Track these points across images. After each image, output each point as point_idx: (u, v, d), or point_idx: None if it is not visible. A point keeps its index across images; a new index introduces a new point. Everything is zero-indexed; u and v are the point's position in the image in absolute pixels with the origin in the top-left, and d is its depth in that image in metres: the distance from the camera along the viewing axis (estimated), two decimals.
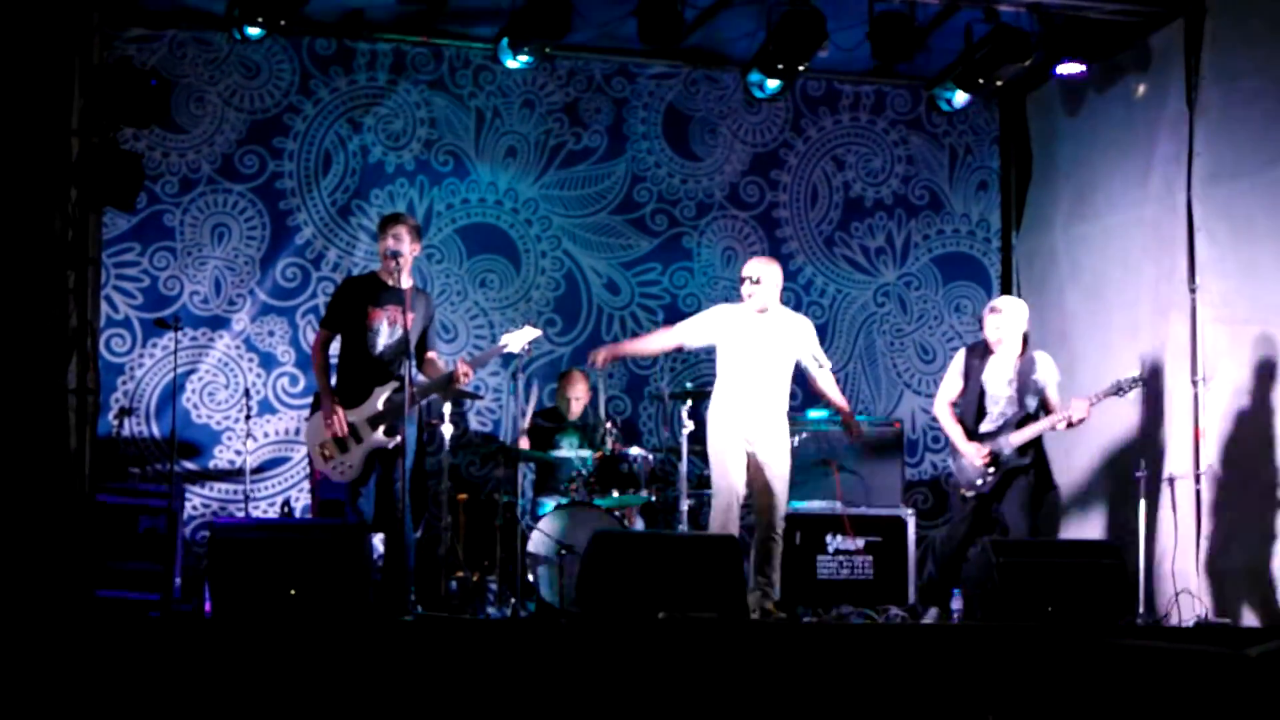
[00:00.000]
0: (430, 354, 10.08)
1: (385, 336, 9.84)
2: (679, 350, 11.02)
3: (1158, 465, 11.08)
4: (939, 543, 11.11)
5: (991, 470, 10.45)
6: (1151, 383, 11.13)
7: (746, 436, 10.27)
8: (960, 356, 10.90)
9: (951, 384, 10.84)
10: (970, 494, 10.56)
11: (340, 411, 9.72)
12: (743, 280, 10.48)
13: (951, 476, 11.09)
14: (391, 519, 9.74)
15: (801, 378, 10.71)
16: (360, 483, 9.78)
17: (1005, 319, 10.65)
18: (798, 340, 10.50)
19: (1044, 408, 10.55)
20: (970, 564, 10.03)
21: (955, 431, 10.69)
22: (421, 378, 10.05)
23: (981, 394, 10.64)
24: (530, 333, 10.14)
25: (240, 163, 12.19)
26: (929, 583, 11.45)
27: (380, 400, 9.73)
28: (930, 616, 10.58)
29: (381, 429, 9.70)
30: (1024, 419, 10.48)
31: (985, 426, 10.60)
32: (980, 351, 10.77)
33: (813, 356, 10.57)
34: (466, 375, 9.85)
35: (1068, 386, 10.80)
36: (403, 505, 9.63)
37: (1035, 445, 10.64)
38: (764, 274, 10.47)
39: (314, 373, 10.33)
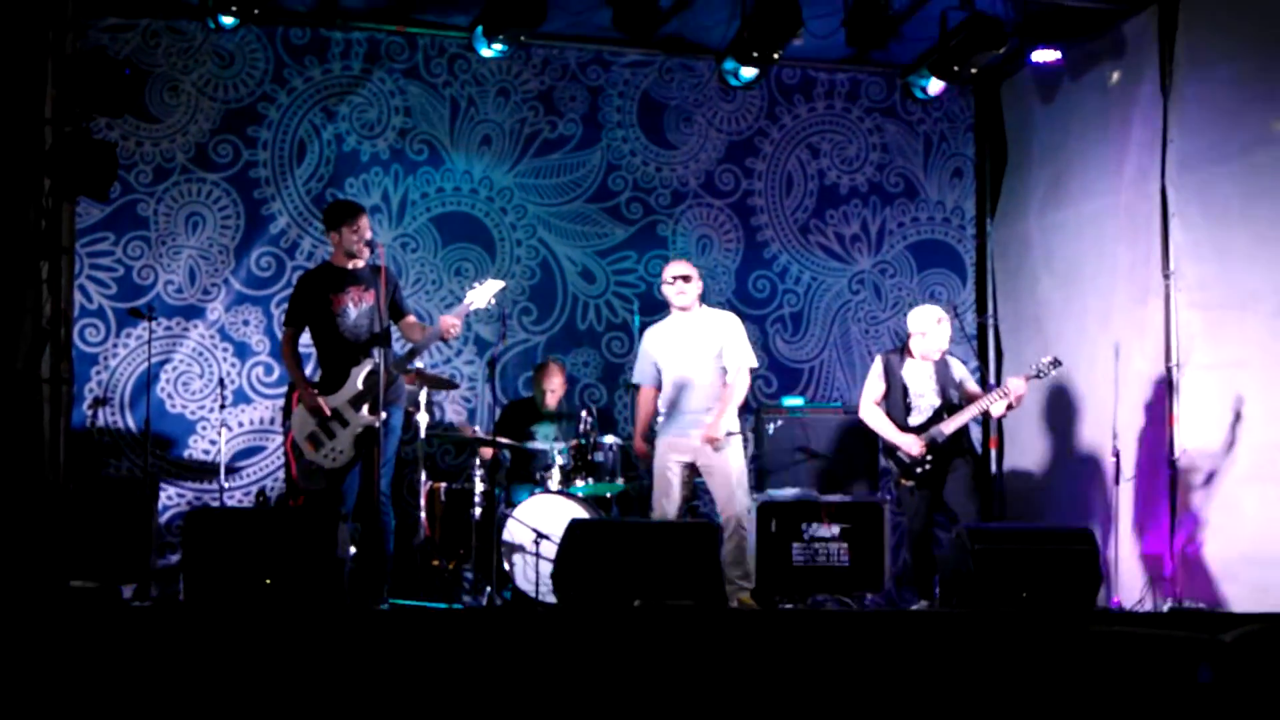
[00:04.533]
0: (410, 319, 10.15)
1: (353, 318, 9.86)
2: (657, 392, 10.95)
3: (1132, 451, 11.09)
4: (906, 540, 11.15)
5: (929, 458, 10.57)
6: (1127, 368, 11.16)
7: (689, 443, 10.49)
8: (879, 360, 11.11)
9: (876, 386, 11.00)
10: (909, 483, 10.68)
11: (321, 399, 9.75)
12: (674, 280, 10.71)
13: (889, 472, 11.14)
14: (369, 507, 9.74)
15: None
16: (348, 469, 9.81)
17: (943, 330, 10.83)
18: (721, 336, 10.74)
19: (965, 399, 10.78)
20: (946, 551, 10.05)
21: (887, 427, 10.85)
22: (410, 344, 10.10)
23: (905, 392, 10.82)
24: (494, 285, 10.13)
25: (214, 152, 12.16)
26: (905, 573, 11.50)
27: (360, 379, 9.76)
28: (919, 607, 10.61)
29: (365, 408, 9.72)
30: (953, 408, 10.64)
31: (914, 420, 10.75)
32: (898, 354, 11.03)
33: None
34: (454, 326, 9.88)
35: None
36: (379, 492, 9.67)
37: (965, 433, 10.83)
38: (692, 272, 10.85)
39: (287, 369, 10.31)
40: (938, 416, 10.71)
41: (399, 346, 10.40)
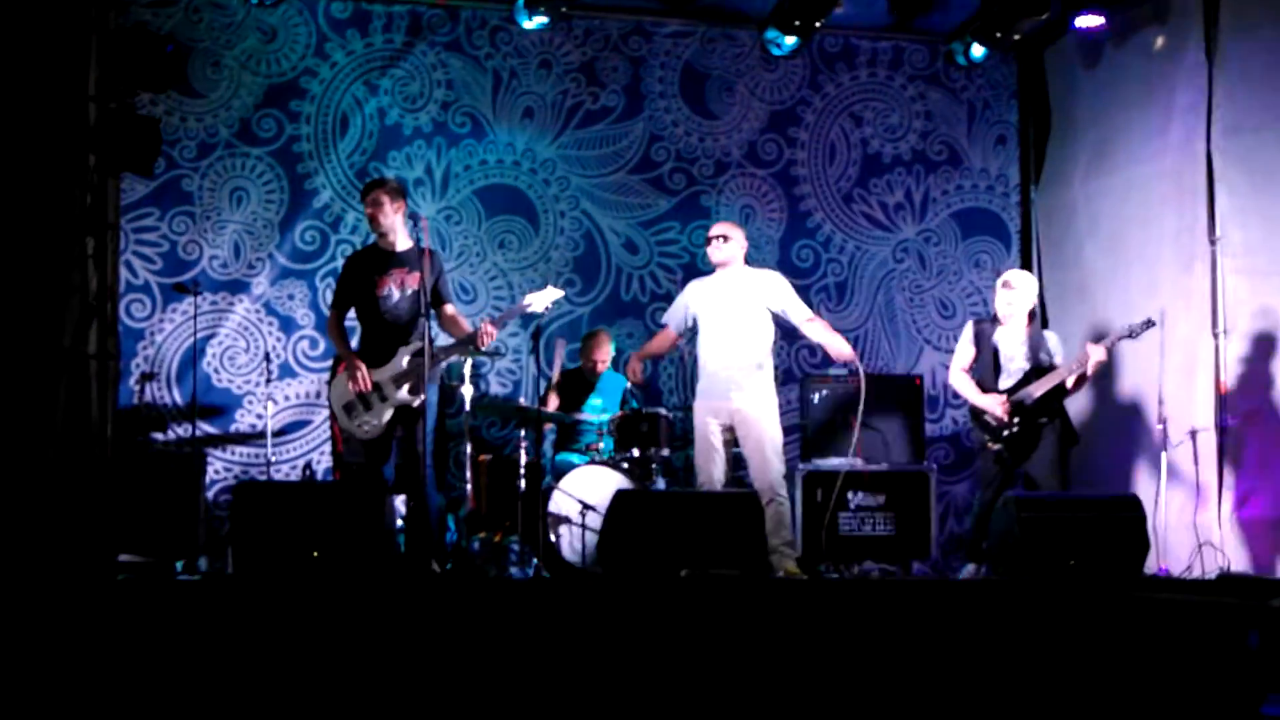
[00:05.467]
0: (448, 309, 10.08)
1: (395, 301, 9.85)
2: (679, 340, 11.00)
3: (1179, 417, 11.05)
4: (975, 506, 11.06)
5: (1016, 420, 10.49)
6: (1173, 335, 11.11)
7: (725, 405, 10.49)
8: (970, 327, 11.05)
9: (965, 352, 10.92)
10: (997, 446, 10.59)
11: (364, 368, 9.76)
12: (709, 240, 10.70)
13: (973, 433, 11.08)
14: (414, 481, 9.76)
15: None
16: (382, 444, 9.83)
17: (1017, 295, 10.74)
18: (765, 294, 10.65)
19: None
20: (993, 519, 10.02)
21: (971, 390, 10.76)
22: (444, 336, 10.09)
23: (996, 356, 10.71)
24: (553, 293, 10.13)
25: (258, 126, 12.19)
26: (961, 541, 11.47)
27: (405, 359, 9.75)
28: (968, 573, 10.57)
29: (406, 387, 9.72)
30: (1043, 371, 10.53)
31: (1004, 384, 10.64)
32: (990, 320, 10.93)
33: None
34: (490, 335, 9.86)
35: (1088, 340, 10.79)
36: (424, 467, 9.67)
37: (1058, 402, 10.64)
38: (731, 233, 10.80)
39: (334, 345, 10.35)
40: (1026, 380, 10.61)
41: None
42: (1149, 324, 10.50)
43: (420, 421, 9.68)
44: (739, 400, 10.46)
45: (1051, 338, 10.86)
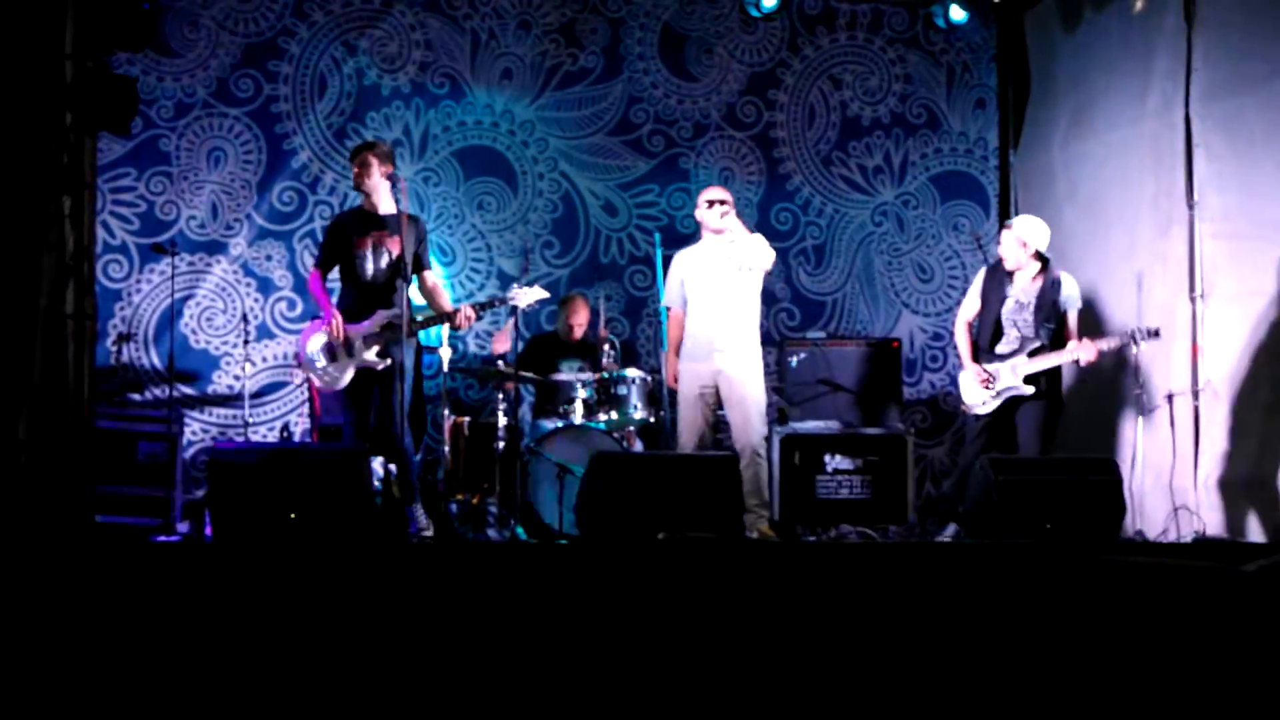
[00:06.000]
0: (429, 276, 10.06)
1: (372, 263, 9.84)
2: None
3: (1156, 381, 11.07)
4: (959, 463, 11.07)
5: (993, 392, 10.46)
6: (1150, 299, 11.13)
7: (708, 367, 10.55)
8: (980, 276, 10.96)
9: (970, 304, 10.89)
10: (977, 411, 10.58)
11: (340, 319, 9.74)
12: (711, 204, 10.64)
13: (956, 394, 11.08)
14: (390, 443, 9.75)
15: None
16: (358, 404, 9.81)
17: (1007, 237, 10.64)
18: (748, 257, 10.64)
19: (1062, 332, 10.54)
20: (969, 481, 10.01)
21: (963, 350, 10.74)
22: (422, 301, 10.09)
23: (999, 315, 10.62)
24: (539, 293, 10.16)
25: (235, 86, 12.15)
26: (940, 502, 11.48)
27: (380, 320, 9.73)
28: (949, 533, 10.56)
29: (375, 349, 9.71)
30: (1037, 349, 10.44)
31: (1001, 348, 10.57)
32: (1000, 272, 10.77)
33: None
34: (469, 320, 9.86)
35: None
36: (401, 429, 9.66)
37: (1050, 371, 10.57)
38: (730, 198, 10.84)
39: (314, 300, 10.33)
40: (1020, 353, 10.50)
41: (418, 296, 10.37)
42: (1154, 334, 10.37)
43: (395, 384, 9.68)
44: (722, 361, 10.48)
45: (1067, 282, 10.64)
